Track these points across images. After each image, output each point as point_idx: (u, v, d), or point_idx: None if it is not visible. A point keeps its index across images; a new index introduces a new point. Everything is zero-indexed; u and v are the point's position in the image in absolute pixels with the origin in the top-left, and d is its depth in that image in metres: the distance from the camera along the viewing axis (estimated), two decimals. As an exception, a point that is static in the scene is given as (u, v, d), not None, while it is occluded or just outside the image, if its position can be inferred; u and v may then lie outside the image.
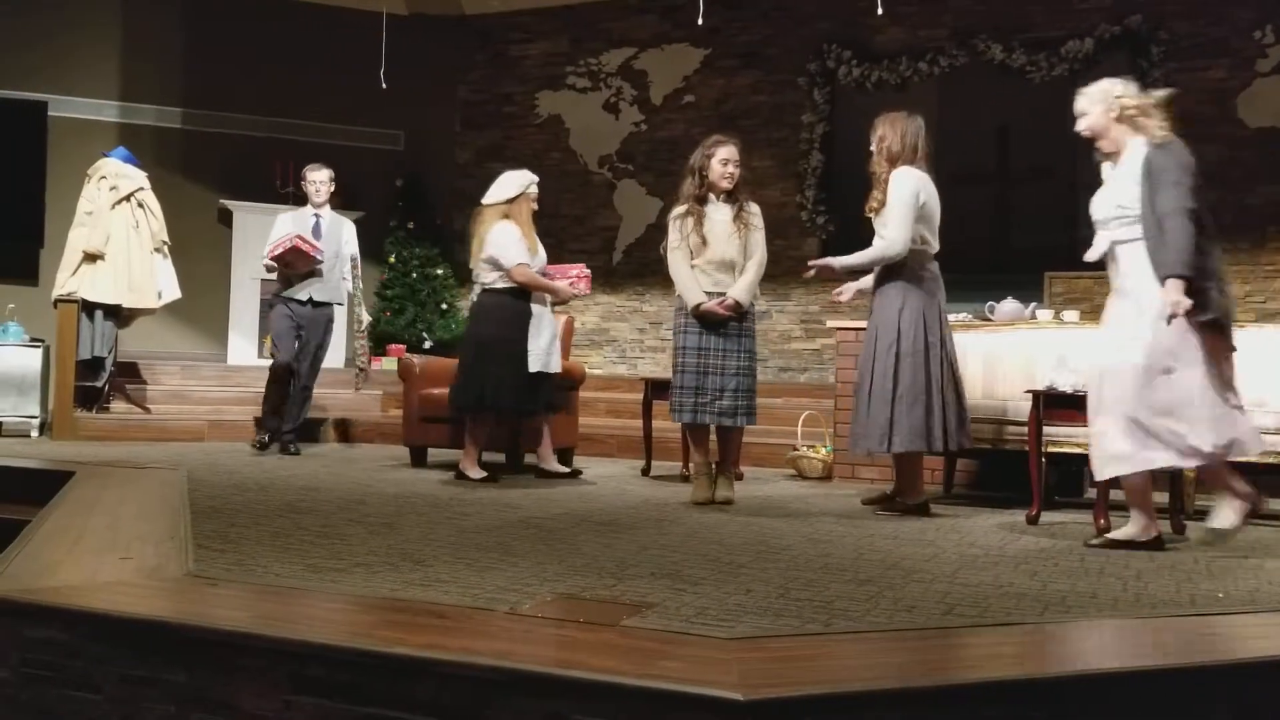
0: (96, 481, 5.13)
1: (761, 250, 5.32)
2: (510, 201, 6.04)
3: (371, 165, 10.40)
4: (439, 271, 10.18)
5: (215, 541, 3.70)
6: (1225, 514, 4.18)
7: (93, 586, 2.96)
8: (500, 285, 6.01)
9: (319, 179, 7.34)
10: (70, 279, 8.03)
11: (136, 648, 2.63)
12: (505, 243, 5.95)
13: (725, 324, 5.23)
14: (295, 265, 7.06)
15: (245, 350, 9.95)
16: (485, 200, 6.17)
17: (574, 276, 6.25)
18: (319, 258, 7.08)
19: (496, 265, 5.97)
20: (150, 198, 8.33)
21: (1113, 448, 4.17)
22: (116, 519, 4.10)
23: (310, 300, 7.13)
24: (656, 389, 6.61)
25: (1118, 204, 4.30)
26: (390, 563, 3.42)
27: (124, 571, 3.15)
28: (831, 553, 3.90)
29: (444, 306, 10.14)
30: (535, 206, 6.17)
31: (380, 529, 4.13)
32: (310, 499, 4.94)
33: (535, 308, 6.04)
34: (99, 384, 8.09)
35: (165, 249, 8.40)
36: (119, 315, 8.21)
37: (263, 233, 9.92)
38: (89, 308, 7.99)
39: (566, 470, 6.26)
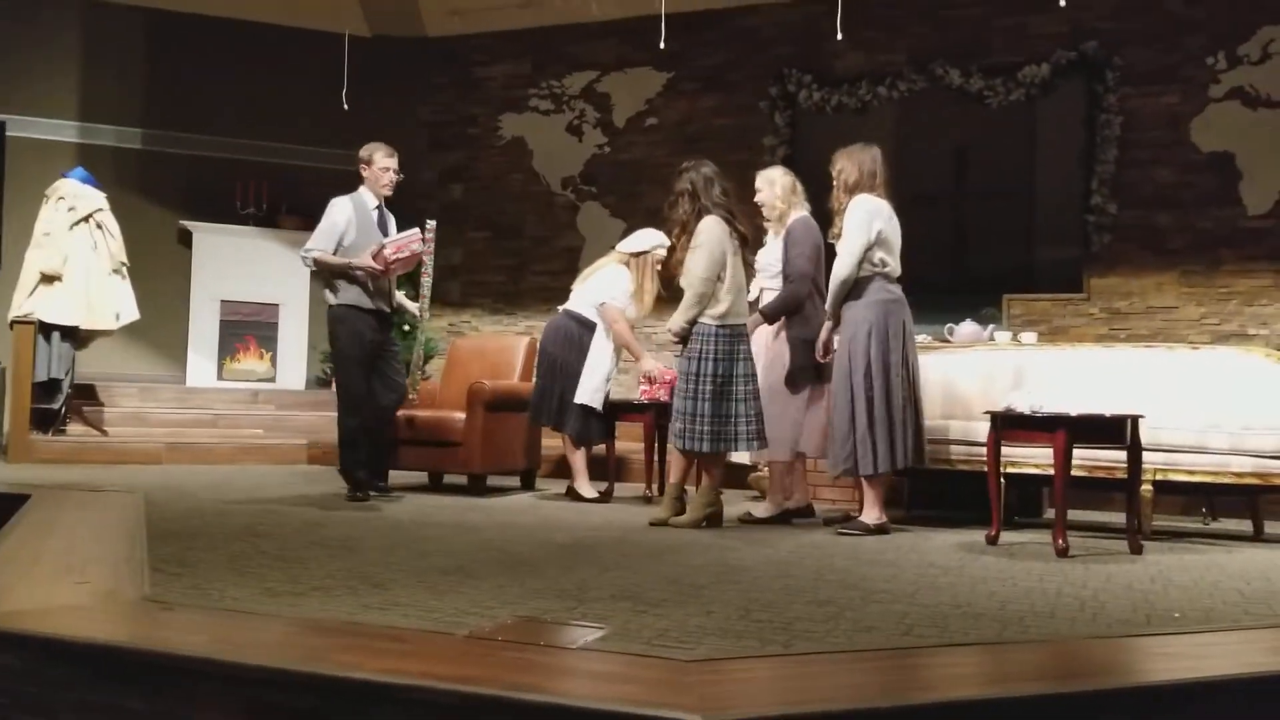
0: (52, 505, 5.05)
1: (692, 273, 5.25)
2: (635, 255, 6.47)
3: (333, 186, 10.25)
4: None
5: (172, 565, 3.66)
6: (763, 506, 5.61)
7: (47, 611, 2.91)
8: (578, 311, 6.49)
9: (392, 165, 6.17)
10: (27, 300, 7.94)
11: (92, 673, 2.59)
12: (614, 284, 6.43)
13: (684, 350, 5.35)
14: (395, 268, 5.99)
15: (205, 372, 9.86)
16: (618, 246, 6.67)
17: (668, 379, 6.40)
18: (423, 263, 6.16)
19: (595, 295, 6.43)
20: (109, 218, 8.26)
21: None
22: (72, 543, 4.04)
23: (382, 311, 6.11)
24: (619, 411, 6.62)
25: (770, 260, 5.67)
26: (349, 586, 3.39)
27: (79, 596, 3.10)
28: (792, 574, 3.91)
29: (405, 328, 10.08)
30: (659, 267, 6.45)
31: (339, 552, 4.10)
32: (268, 522, 4.89)
33: (600, 345, 6.39)
34: (55, 406, 7.99)
35: (124, 270, 8.33)
36: (76, 336, 8.12)
37: (224, 254, 9.95)
38: (46, 329, 7.90)
39: (594, 495, 6.36)
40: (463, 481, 6.65)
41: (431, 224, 6.29)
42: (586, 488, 6.39)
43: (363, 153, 6.22)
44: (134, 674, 2.54)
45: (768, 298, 5.68)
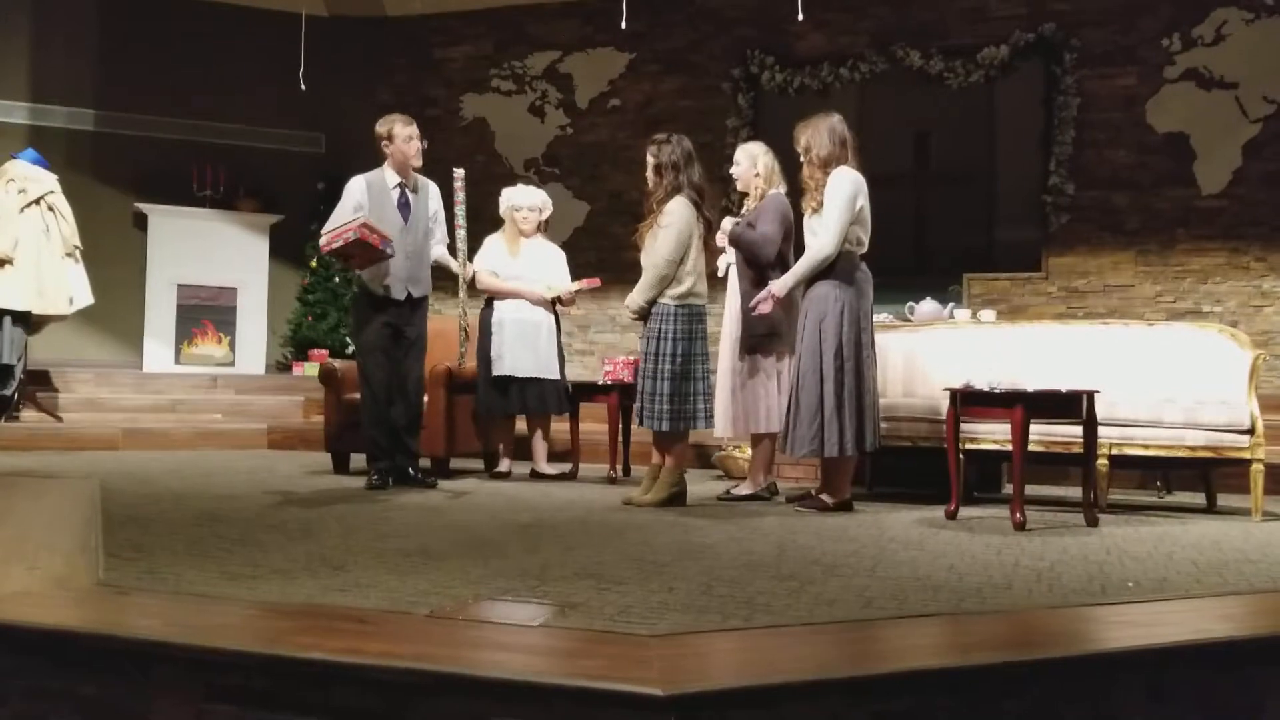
0: (5, 492, 4.97)
1: (656, 253, 5.24)
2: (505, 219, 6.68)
3: (292, 168, 10.27)
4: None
5: (127, 550, 3.61)
6: (744, 485, 5.67)
7: (-2, 597, 2.87)
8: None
9: (415, 134, 5.85)
10: (-23, 285, 7.80)
11: (44, 659, 2.55)
12: (480, 252, 6.58)
13: (643, 328, 5.35)
14: (354, 261, 5.72)
15: (162, 357, 9.74)
16: None
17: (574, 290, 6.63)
18: (388, 251, 5.63)
19: None
20: (61, 201, 8.13)
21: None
22: (25, 529, 3.98)
23: (409, 297, 5.86)
24: (582, 392, 6.63)
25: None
26: (309, 569, 3.36)
27: (31, 582, 3.05)
28: (754, 550, 3.92)
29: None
30: (519, 219, 6.58)
31: (299, 535, 4.07)
32: (227, 507, 4.85)
33: (497, 313, 6.45)
34: (8, 392, 7.86)
35: (77, 253, 8.20)
36: (29, 321, 7.99)
37: (180, 237, 9.85)
38: (-3, 314, 7.77)
39: (554, 472, 6.50)
40: (425, 464, 6.61)
41: (460, 172, 6.02)
42: (543, 465, 6.53)
43: (379, 128, 5.87)
44: (87, 659, 2.51)
45: (735, 273, 5.67)
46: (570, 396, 6.56)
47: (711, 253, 5.57)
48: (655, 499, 5.22)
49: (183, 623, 2.73)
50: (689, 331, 5.26)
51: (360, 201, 5.76)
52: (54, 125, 9.70)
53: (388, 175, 5.87)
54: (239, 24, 10.04)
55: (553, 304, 6.56)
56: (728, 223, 5.59)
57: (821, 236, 5.04)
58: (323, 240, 5.64)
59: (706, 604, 2.93)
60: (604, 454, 6.66)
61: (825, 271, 5.07)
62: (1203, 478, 5.74)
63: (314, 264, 10.02)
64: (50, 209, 8.06)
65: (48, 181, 8.12)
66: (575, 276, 6.72)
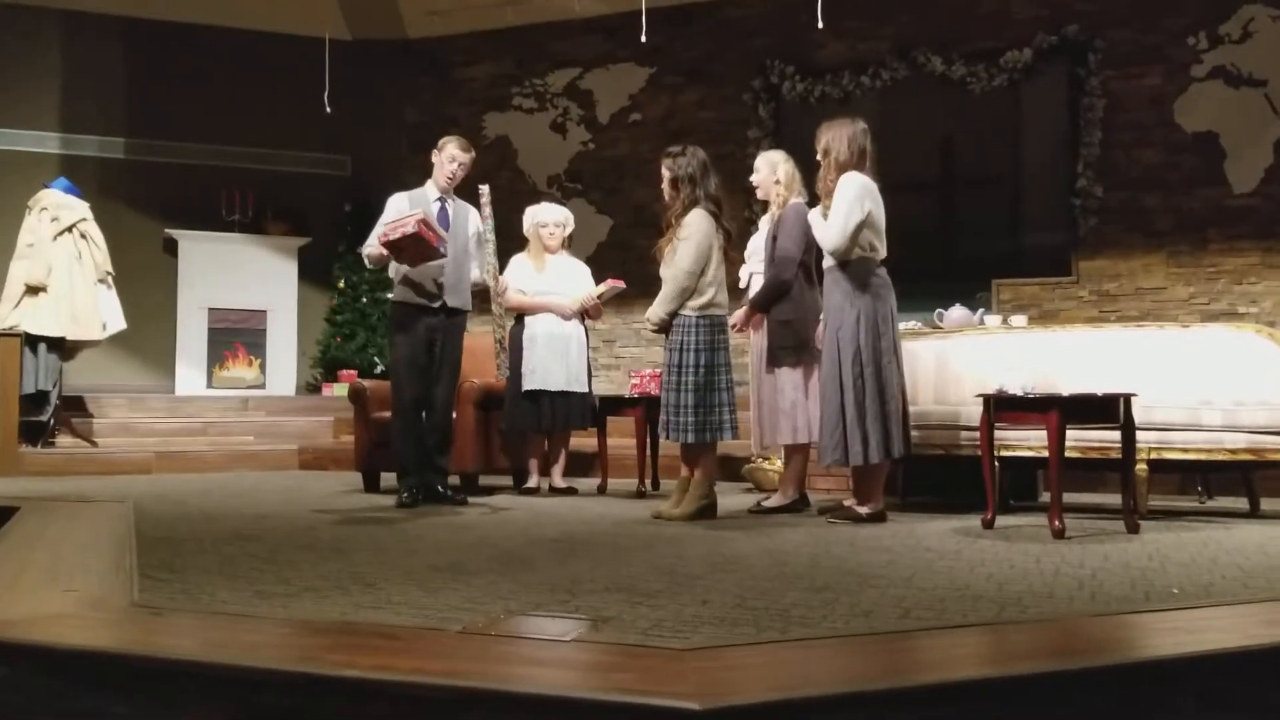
0: (41, 516, 5.01)
1: (676, 265, 5.22)
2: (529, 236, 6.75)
3: (319, 191, 10.34)
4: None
5: (161, 571, 3.62)
6: (775, 497, 5.58)
7: (34, 619, 2.87)
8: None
9: (464, 159, 5.92)
10: (12, 312, 7.91)
11: (80, 680, 2.55)
12: (508, 270, 6.54)
13: (666, 341, 5.31)
14: (406, 256, 5.63)
15: (194, 380, 9.81)
16: None
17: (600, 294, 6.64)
18: (441, 250, 5.63)
19: None
20: (93, 228, 8.23)
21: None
22: (60, 553, 4.00)
23: (444, 306, 5.88)
24: (608, 406, 6.63)
25: (760, 245, 5.71)
26: (340, 586, 3.36)
27: (67, 604, 3.06)
28: (787, 561, 3.88)
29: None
30: (544, 236, 6.64)
31: (330, 554, 4.06)
32: (259, 527, 4.86)
33: (529, 329, 6.45)
34: (43, 418, 7.95)
35: (109, 280, 8.30)
36: (63, 348, 8.09)
37: (210, 261, 9.94)
38: (32, 341, 7.88)
39: (563, 486, 6.52)
40: (455, 481, 6.61)
41: (485, 188, 6.07)
42: (559, 480, 6.54)
43: (439, 144, 6.00)
44: (122, 679, 2.50)
45: (757, 283, 5.65)
46: (595, 411, 6.55)
47: (732, 264, 5.55)
48: (685, 512, 5.18)
49: (216, 641, 2.73)
50: (711, 342, 5.23)
51: (400, 210, 5.79)
52: (85, 154, 9.83)
53: (429, 190, 5.95)
54: (264, 49, 10.13)
55: (581, 318, 6.56)
56: (739, 314, 5.61)
57: (828, 229, 5.05)
58: (379, 233, 5.63)
59: (740, 616, 2.90)
60: (631, 468, 6.64)
61: (841, 280, 5.07)
62: (1244, 481, 5.64)
63: (341, 284, 10.07)
64: (83, 236, 8.17)
65: (80, 209, 8.23)
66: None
